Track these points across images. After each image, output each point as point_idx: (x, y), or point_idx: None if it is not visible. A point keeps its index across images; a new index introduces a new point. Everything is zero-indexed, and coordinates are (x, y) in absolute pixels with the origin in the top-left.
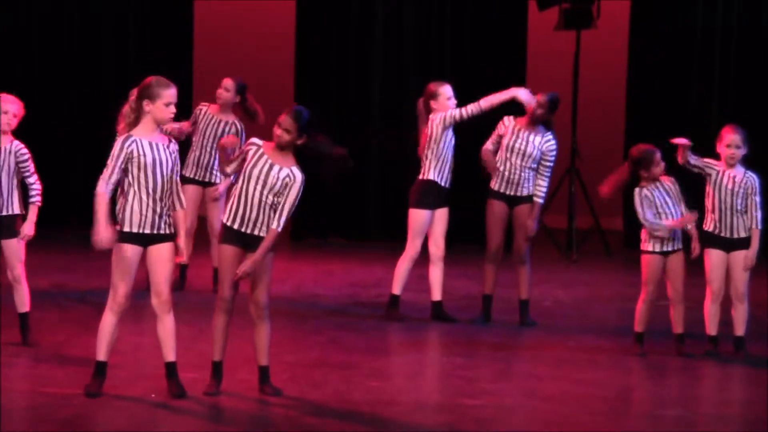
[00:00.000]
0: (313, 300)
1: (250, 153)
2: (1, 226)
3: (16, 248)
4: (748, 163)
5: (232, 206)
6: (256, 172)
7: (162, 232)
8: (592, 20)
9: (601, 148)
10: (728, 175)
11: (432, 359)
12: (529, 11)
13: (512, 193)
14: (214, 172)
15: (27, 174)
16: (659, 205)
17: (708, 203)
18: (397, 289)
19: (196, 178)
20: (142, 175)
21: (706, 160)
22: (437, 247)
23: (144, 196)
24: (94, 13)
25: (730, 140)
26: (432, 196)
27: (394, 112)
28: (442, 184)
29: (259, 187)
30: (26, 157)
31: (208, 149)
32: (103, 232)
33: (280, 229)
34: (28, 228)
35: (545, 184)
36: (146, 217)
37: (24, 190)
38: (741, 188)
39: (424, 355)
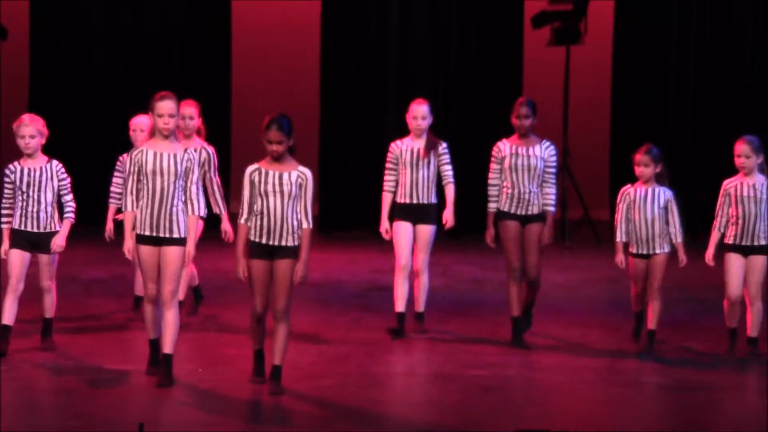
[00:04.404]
0: (339, 285)
1: (256, 178)
2: (42, 241)
3: (50, 263)
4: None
5: (256, 224)
6: (270, 188)
7: (168, 235)
8: (580, 37)
9: (589, 148)
10: (747, 184)
11: (444, 336)
12: (524, 30)
13: (523, 213)
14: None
15: (65, 192)
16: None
17: (732, 215)
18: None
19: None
20: (145, 182)
21: (720, 210)
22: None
23: (147, 201)
24: (139, 20)
25: (739, 151)
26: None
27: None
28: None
29: (278, 200)
30: (65, 176)
31: None
32: (127, 245)
33: (311, 226)
34: (60, 239)
35: (553, 191)
36: (146, 220)
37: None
38: (763, 194)
39: (436, 332)
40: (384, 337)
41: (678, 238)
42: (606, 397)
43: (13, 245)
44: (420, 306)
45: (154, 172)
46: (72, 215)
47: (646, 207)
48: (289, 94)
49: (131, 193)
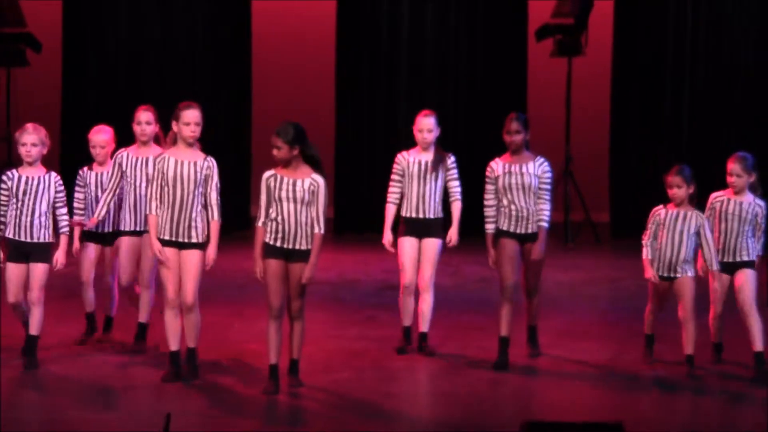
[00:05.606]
0: (353, 285)
1: (271, 183)
2: (35, 251)
3: (42, 274)
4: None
5: (271, 228)
6: (284, 194)
7: (187, 240)
8: (581, 49)
9: (590, 154)
10: (735, 201)
11: (453, 333)
12: (528, 42)
13: (522, 231)
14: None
15: (60, 205)
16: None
17: (715, 233)
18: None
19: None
20: (166, 188)
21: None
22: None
23: (166, 207)
24: (163, 33)
25: (731, 169)
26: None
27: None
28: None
29: (292, 205)
30: (62, 188)
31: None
32: (155, 246)
33: (323, 231)
34: (62, 257)
35: (548, 207)
36: (166, 226)
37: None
38: (749, 214)
39: (446, 329)
40: (396, 334)
41: (714, 266)
42: (608, 390)
43: (9, 258)
44: (424, 326)
45: (174, 180)
46: (67, 230)
47: (675, 229)
48: (306, 101)
49: (155, 197)
